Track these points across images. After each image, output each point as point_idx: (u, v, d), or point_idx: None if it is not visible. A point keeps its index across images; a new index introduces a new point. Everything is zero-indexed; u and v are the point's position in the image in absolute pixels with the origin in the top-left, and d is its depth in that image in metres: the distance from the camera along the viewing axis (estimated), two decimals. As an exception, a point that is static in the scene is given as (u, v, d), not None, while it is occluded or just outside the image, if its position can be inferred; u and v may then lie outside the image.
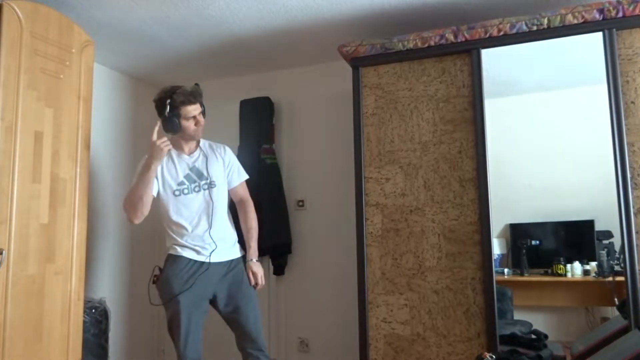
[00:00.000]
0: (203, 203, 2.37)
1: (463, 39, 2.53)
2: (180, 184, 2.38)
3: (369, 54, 2.71)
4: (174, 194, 2.37)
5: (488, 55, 2.52)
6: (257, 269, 2.44)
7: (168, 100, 2.30)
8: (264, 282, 2.46)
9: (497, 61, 2.54)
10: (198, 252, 2.35)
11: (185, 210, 2.36)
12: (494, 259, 2.44)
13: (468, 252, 2.47)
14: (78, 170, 2.43)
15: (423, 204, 2.57)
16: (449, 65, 2.60)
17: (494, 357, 2.15)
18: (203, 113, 2.41)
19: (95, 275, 3.23)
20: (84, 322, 2.53)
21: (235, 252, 2.46)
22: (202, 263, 2.34)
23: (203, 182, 2.40)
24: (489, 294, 2.39)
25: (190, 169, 2.41)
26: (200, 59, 3.35)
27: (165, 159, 2.39)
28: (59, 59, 2.34)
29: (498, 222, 2.54)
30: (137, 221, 2.34)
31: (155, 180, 2.33)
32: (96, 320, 2.78)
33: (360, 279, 2.63)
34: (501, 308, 2.44)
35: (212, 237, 2.34)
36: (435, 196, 2.55)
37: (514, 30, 2.45)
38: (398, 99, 2.68)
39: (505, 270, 2.63)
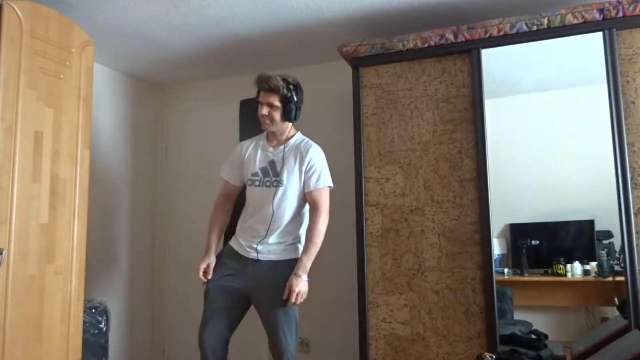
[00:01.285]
0: (268, 200, 2.30)
1: (463, 39, 2.53)
2: (254, 174, 2.36)
3: (369, 54, 2.71)
4: (247, 183, 2.39)
5: (488, 55, 2.52)
6: (296, 284, 2.18)
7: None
8: (297, 301, 2.20)
9: (497, 61, 2.54)
10: (244, 247, 2.32)
11: (252, 201, 2.36)
12: (494, 259, 2.44)
13: (468, 252, 2.47)
14: (78, 170, 2.43)
15: (423, 204, 2.57)
16: (449, 65, 2.60)
17: (494, 357, 2.15)
18: (287, 107, 2.32)
19: (95, 276, 3.23)
20: (84, 322, 2.53)
21: (286, 253, 2.31)
22: (241, 257, 2.31)
23: (275, 178, 2.33)
24: (489, 294, 2.39)
25: (269, 162, 2.37)
26: (200, 59, 3.35)
27: (252, 144, 2.43)
28: (59, 58, 2.34)
29: (498, 222, 2.54)
30: None
31: (238, 168, 2.43)
32: (96, 320, 2.78)
33: (360, 279, 2.63)
34: (501, 308, 2.44)
35: (264, 237, 2.29)
36: (435, 196, 2.55)
37: (514, 30, 2.45)
38: (398, 99, 2.68)
39: (505, 270, 2.63)
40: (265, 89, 2.29)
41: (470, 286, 2.45)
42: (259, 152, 2.39)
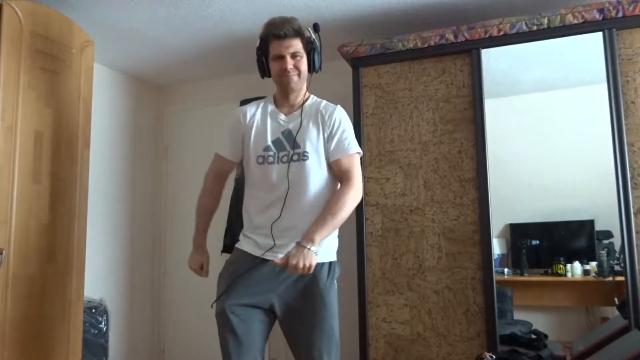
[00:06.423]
0: (285, 180, 1.77)
1: (463, 39, 2.53)
2: (266, 149, 1.81)
3: (369, 54, 2.71)
4: (257, 161, 1.82)
5: (488, 55, 2.52)
6: (296, 253, 1.62)
7: (261, 34, 1.84)
8: (297, 269, 1.60)
9: (497, 61, 2.54)
10: (258, 245, 1.79)
11: (263, 185, 1.81)
12: (494, 259, 2.44)
13: (468, 252, 2.47)
14: (78, 170, 2.43)
15: (423, 204, 2.57)
16: (449, 65, 2.60)
17: (494, 357, 2.15)
18: (312, 54, 1.82)
19: (94, 275, 3.23)
20: (84, 322, 2.53)
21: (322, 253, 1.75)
22: (255, 258, 1.78)
23: (295, 151, 1.78)
24: (489, 294, 2.39)
25: (282, 132, 1.82)
26: (200, 59, 3.35)
27: (258, 110, 1.87)
28: (59, 58, 2.34)
29: (498, 222, 2.54)
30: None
31: (240, 141, 1.88)
32: (96, 320, 2.78)
33: (360, 279, 2.63)
34: (501, 308, 2.44)
35: (276, 227, 1.75)
36: (435, 196, 2.55)
37: (514, 30, 2.45)
38: (398, 99, 2.68)
39: (505, 270, 2.63)
40: (286, 34, 1.77)
41: (470, 286, 2.45)
42: (269, 120, 1.84)
